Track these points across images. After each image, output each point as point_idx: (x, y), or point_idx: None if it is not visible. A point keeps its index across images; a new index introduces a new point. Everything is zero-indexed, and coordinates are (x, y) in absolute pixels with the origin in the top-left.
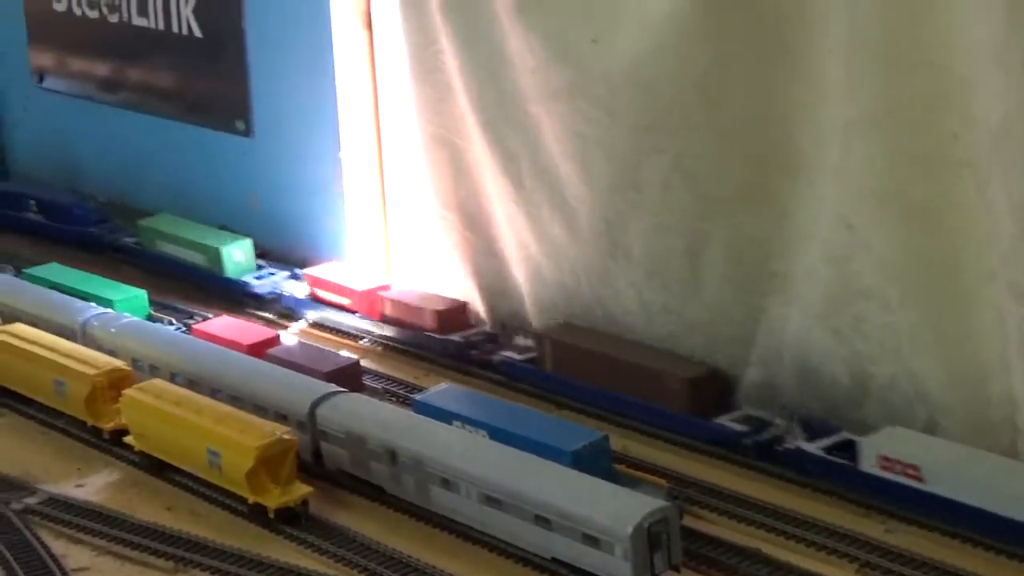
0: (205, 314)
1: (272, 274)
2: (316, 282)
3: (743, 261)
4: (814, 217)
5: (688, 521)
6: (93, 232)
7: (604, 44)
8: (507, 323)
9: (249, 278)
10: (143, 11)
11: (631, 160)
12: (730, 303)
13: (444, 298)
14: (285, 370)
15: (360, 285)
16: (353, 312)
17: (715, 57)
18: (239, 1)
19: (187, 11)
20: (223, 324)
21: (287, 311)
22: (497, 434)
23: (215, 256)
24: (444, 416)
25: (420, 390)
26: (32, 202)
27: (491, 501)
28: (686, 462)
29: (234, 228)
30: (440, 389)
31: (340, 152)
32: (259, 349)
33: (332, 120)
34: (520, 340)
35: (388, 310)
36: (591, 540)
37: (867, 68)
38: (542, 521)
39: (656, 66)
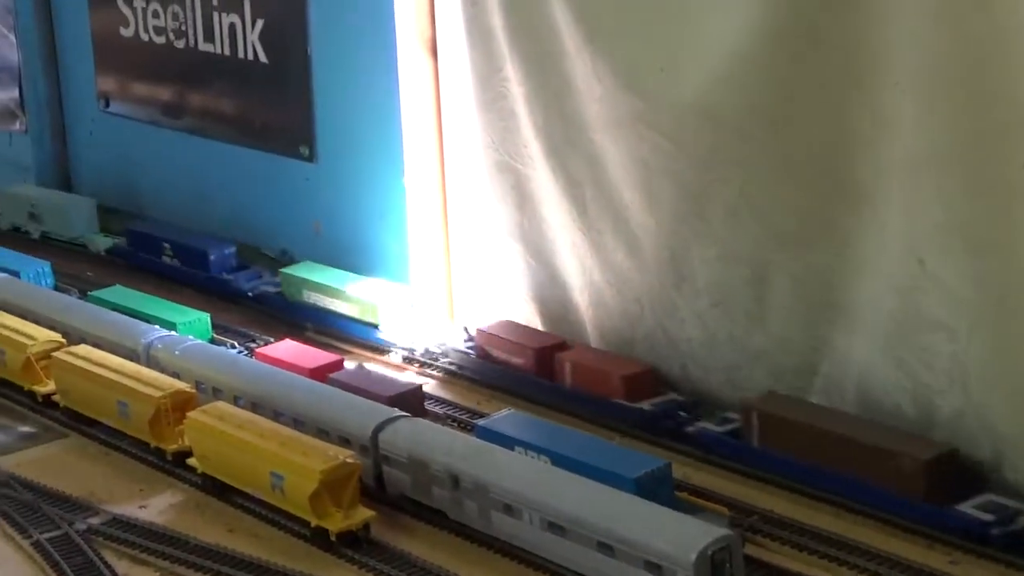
0: (267, 338)
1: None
2: (488, 339)
3: (807, 291)
4: (879, 248)
5: (750, 550)
6: (230, 279)
7: (671, 73)
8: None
9: (402, 333)
10: (209, 37)
11: (696, 189)
12: (794, 332)
13: (628, 360)
14: (348, 394)
15: (534, 342)
16: (527, 373)
17: (780, 88)
18: (305, 27)
19: (253, 36)
20: (286, 348)
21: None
22: (559, 460)
23: (370, 309)
24: (506, 442)
25: (482, 416)
26: (166, 245)
27: (553, 527)
28: (746, 490)
29: (296, 254)
30: (502, 415)
31: (404, 178)
32: (322, 373)
33: (396, 146)
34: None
35: (568, 374)
36: (654, 567)
37: (934, 101)
38: (605, 548)
39: (722, 96)
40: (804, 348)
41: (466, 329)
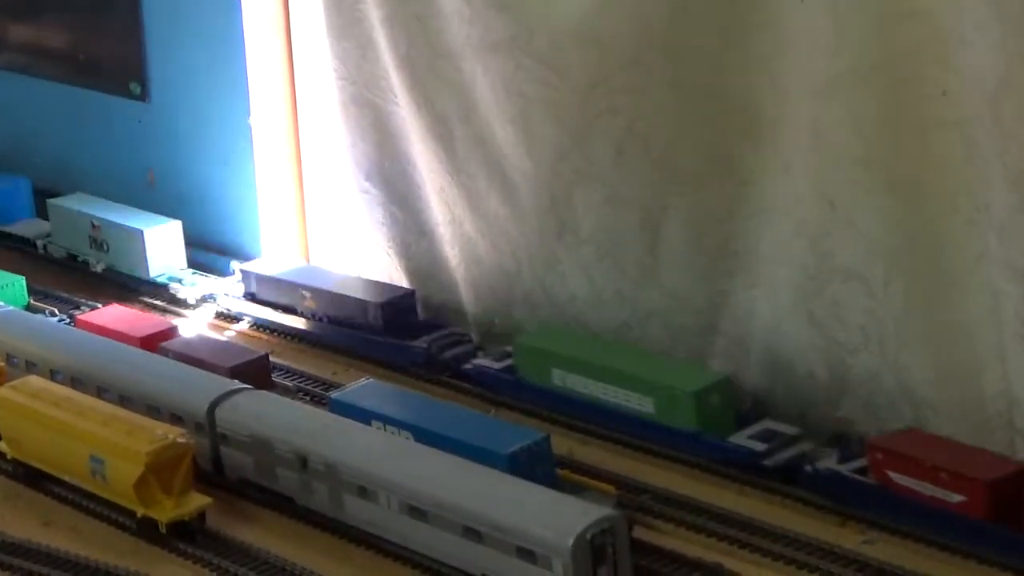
0: (93, 303)
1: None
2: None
3: (704, 238)
4: (784, 188)
5: (639, 532)
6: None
7: None
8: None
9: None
10: None
11: (579, 124)
12: (691, 287)
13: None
14: (182, 365)
15: None
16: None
17: (671, 6)
18: None
19: None
20: (112, 314)
21: None
22: (423, 436)
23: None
24: (363, 416)
25: (337, 387)
26: (306, 294)
27: (414, 512)
28: (637, 465)
29: (130, 204)
30: (359, 385)
31: (250, 118)
32: (153, 342)
33: (240, 81)
34: None
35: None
36: (527, 554)
37: (843, 18)
38: (472, 534)
39: (607, 16)
40: (702, 305)
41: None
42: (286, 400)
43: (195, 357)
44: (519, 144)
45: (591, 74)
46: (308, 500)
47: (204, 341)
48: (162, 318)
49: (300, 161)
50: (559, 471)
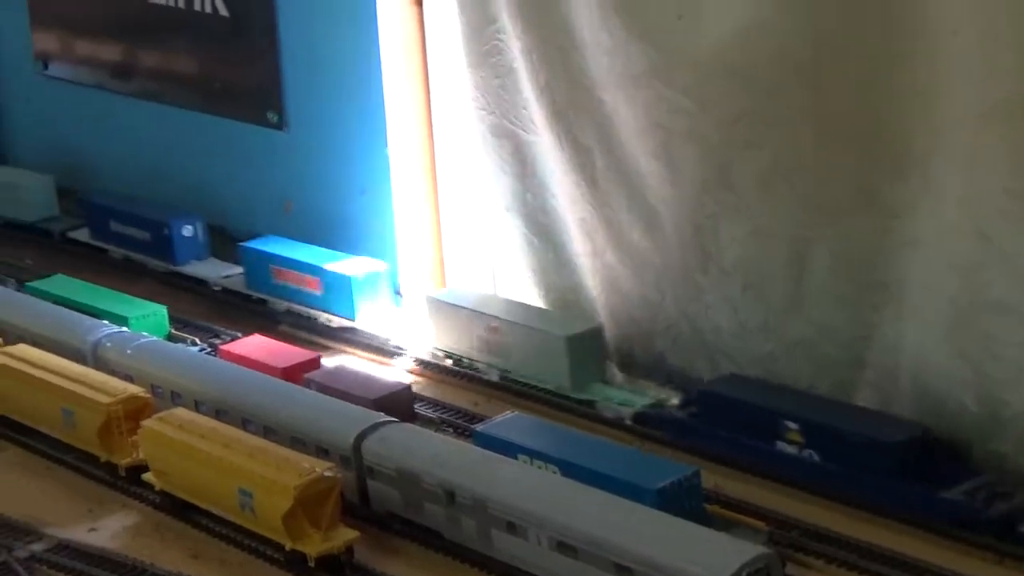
0: (233, 333)
1: None
2: None
3: (851, 271)
4: (935, 221)
5: (792, 570)
6: None
7: (691, 21)
8: None
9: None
10: None
11: (723, 156)
12: (837, 319)
13: None
14: (326, 397)
15: None
16: None
17: (818, 38)
18: None
19: None
20: (255, 344)
21: None
22: (570, 470)
23: None
24: (509, 450)
25: (479, 419)
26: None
27: (564, 547)
28: (787, 501)
29: (267, 231)
30: (504, 418)
31: (387, 147)
32: (296, 373)
33: (378, 110)
34: None
35: None
36: None
37: (998, 49)
38: (623, 571)
39: (751, 48)
40: (849, 337)
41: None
42: (432, 433)
43: (338, 388)
44: (662, 175)
45: (734, 106)
46: (455, 534)
47: (347, 372)
48: (305, 349)
49: (437, 191)
50: (707, 506)
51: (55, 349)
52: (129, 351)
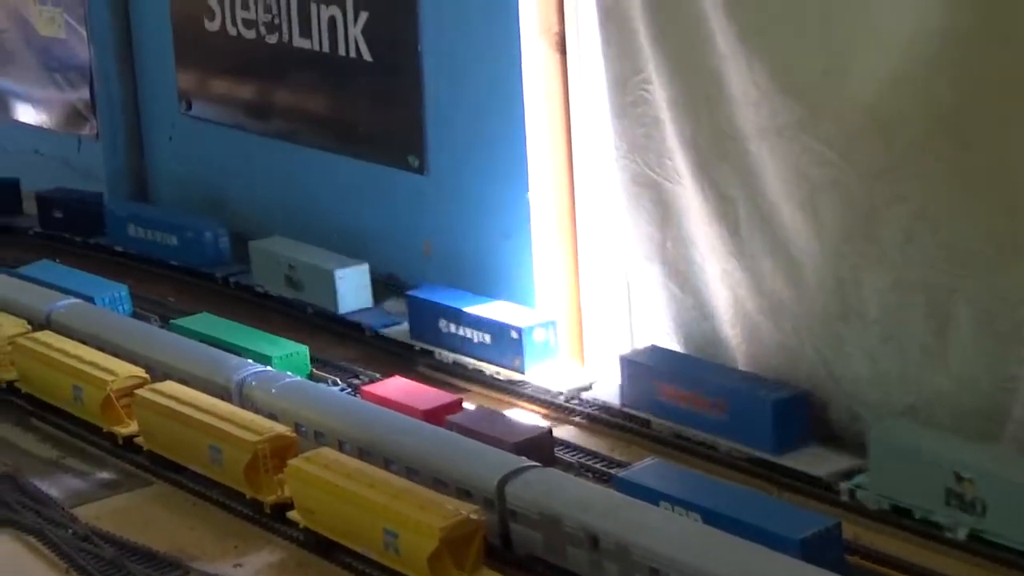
0: (372, 374)
1: None
2: None
3: (995, 323)
4: None
5: None
6: None
7: (838, 75)
8: None
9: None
10: (305, 31)
11: (867, 208)
12: (980, 371)
13: None
14: (469, 440)
15: None
16: None
17: (967, 92)
18: (415, 20)
19: (356, 31)
20: (396, 386)
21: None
22: (712, 518)
23: None
24: (650, 496)
25: (618, 464)
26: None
27: None
28: (932, 555)
29: (404, 277)
30: (645, 465)
31: (528, 193)
32: (438, 415)
33: (520, 156)
34: None
35: None
36: None
37: None
38: None
39: (898, 101)
40: (992, 388)
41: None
42: (574, 478)
43: (480, 432)
44: (805, 227)
45: (879, 159)
46: None
47: (488, 415)
48: (446, 391)
49: (576, 237)
50: (848, 557)
51: (201, 386)
52: (274, 390)
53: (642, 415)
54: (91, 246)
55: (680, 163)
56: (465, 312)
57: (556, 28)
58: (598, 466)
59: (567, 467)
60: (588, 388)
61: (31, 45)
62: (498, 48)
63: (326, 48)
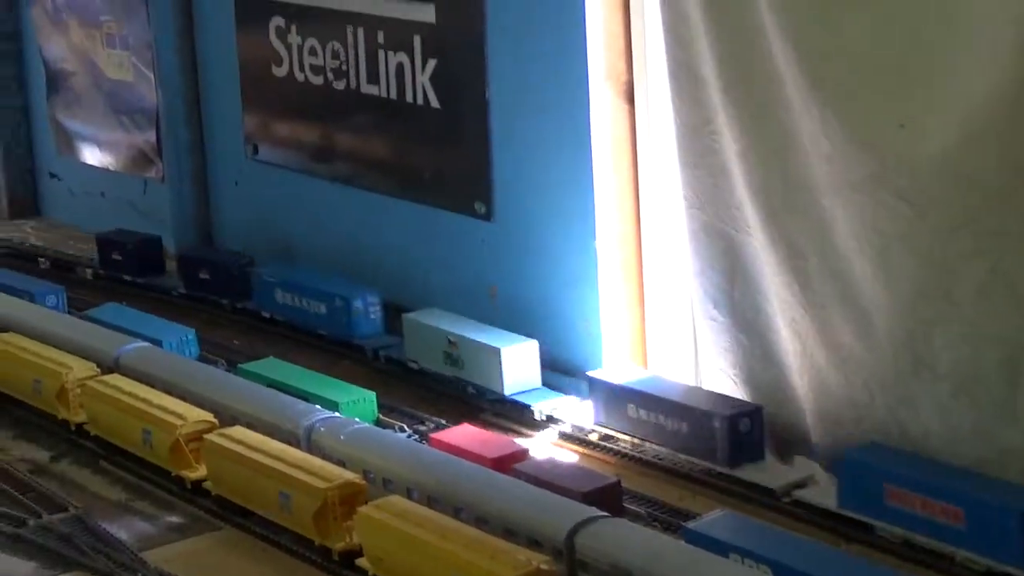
0: (438, 420)
1: None
2: None
3: None
4: None
5: None
6: None
7: (914, 129)
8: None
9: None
10: (373, 78)
11: (941, 262)
12: None
13: None
14: (537, 490)
15: None
16: None
17: None
18: (483, 68)
19: (423, 78)
20: (463, 433)
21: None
22: (782, 571)
23: None
24: (720, 548)
25: (686, 514)
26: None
27: None
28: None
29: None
30: (715, 517)
31: (596, 241)
32: (506, 463)
33: (587, 204)
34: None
35: None
36: None
37: None
38: None
39: (975, 156)
40: None
41: None
42: (644, 529)
43: (548, 481)
44: (876, 280)
45: (954, 213)
46: None
47: (556, 464)
48: (513, 439)
49: (642, 284)
50: None
51: (269, 432)
52: (342, 436)
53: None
54: (237, 310)
55: (749, 214)
56: (657, 396)
57: (624, 76)
58: (665, 516)
59: (636, 517)
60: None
61: (99, 88)
62: (566, 96)
63: (393, 95)
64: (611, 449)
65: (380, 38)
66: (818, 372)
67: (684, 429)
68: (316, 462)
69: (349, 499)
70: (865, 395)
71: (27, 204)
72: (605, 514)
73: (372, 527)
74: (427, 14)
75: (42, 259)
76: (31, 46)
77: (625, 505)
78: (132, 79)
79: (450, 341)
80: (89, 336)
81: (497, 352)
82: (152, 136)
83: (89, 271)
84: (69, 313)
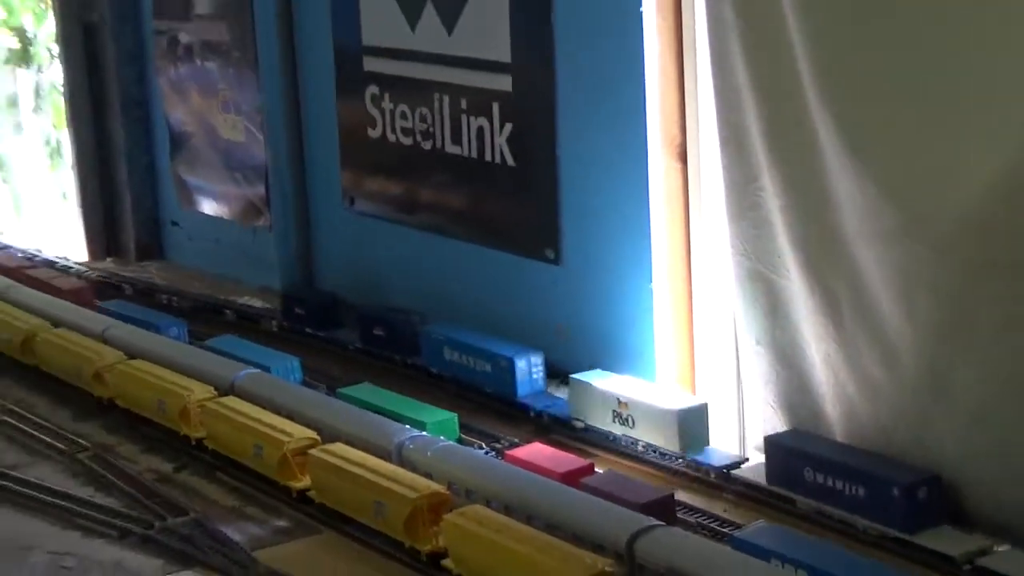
0: (512, 439)
1: None
2: None
3: None
4: None
5: None
6: None
7: (936, 185)
8: None
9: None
10: (456, 139)
11: (963, 305)
12: None
13: None
14: (601, 500)
15: None
16: None
17: None
18: (553, 130)
19: (501, 140)
20: (535, 451)
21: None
22: (816, 574)
23: None
24: (762, 554)
25: (731, 524)
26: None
27: None
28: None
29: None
30: (756, 527)
31: (652, 283)
32: (573, 477)
33: (644, 250)
34: None
35: None
36: None
37: None
38: None
39: (996, 200)
40: None
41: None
42: (696, 536)
43: (610, 493)
44: (903, 319)
45: (977, 256)
46: None
47: (617, 478)
48: (579, 457)
49: (692, 322)
50: None
51: (365, 448)
52: (429, 453)
53: None
54: (408, 365)
55: (789, 261)
56: (837, 462)
57: (678, 139)
58: (712, 525)
59: (687, 526)
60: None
61: (215, 148)
62: (626, 156)
63: (474, 154)
64: (788, 510)
65: (463, 104)
66: (848, 401)
67: (861, 494)
68: (407, 475)
69: (436, 507)
70: (890, 421)
71: (152, 248)
72: (661, 523)
73: (456, 532)
74: (505, 84)
75: (167, 296)
76: (158, 112)
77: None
78: (244, 140)
79: (620, 402)
80: (208, 363)
81: (674, 415)
82: (261, 190)
83: (274, 323)
84: (190, 343)
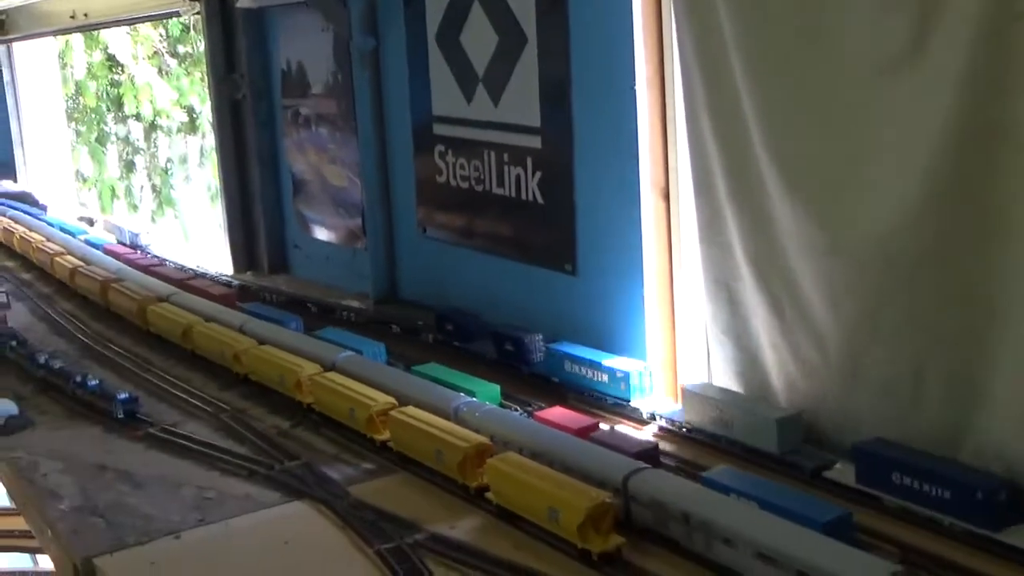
0: (541, 404)
1: None
2: None
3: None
4: None
5: None
6: None
7: (854, 219)
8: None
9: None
10: (500, 183)
11: (872, 301)
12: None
13: None
14: (604, 449)
15: None
16: None
17: (936, 237)
18: (571, 178)
19: (533, 184)
20: (558, 412)
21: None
22: (765, 506)
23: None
24: (723, 490)
25: (702, 467)
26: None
27: (762, 557)
28: (923, 538)
29: (559, 339)
30: (719, 470)
31: (643, 289)
32: (584, 432)
33: (638, 267)
34: None
35: None
36: None
37: None
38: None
39: (895, 235)
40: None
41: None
42: (677, 476)
43: (611, 443)
44: (829, 317)
45: (884, 268)
46: (690, 545)
47: (616, 433)
48: (590, 417)
49: (674, 320)
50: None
51: (431, 410)
52: (478, 413)
53: None
54: (533, 375)
55: (744, 273)
56: (924, 468)
57: (662, 182)
58: (687, 468)
59: (669, 469)
60: None
61: (325, 191)
62: (625, 196)
63: (513, 195)
64: (875, 507)
65: (505, 158)
66: (790, 377)
67: (946, 495)
68: (460, 430)
69: (481, 454)
70: (820, 393)
71: (280, 265)
72: (648, 466)
73: (496, 473)
74: (536, 143)
75: (311, 304)
76: (283, 164)
77: (662, 461)
78: (347, 185)
79: (721, 409)
80: (317, 348)
81: (773, 423)
82: (359, 221)
83: (431, 336)
84: (304, 333)
